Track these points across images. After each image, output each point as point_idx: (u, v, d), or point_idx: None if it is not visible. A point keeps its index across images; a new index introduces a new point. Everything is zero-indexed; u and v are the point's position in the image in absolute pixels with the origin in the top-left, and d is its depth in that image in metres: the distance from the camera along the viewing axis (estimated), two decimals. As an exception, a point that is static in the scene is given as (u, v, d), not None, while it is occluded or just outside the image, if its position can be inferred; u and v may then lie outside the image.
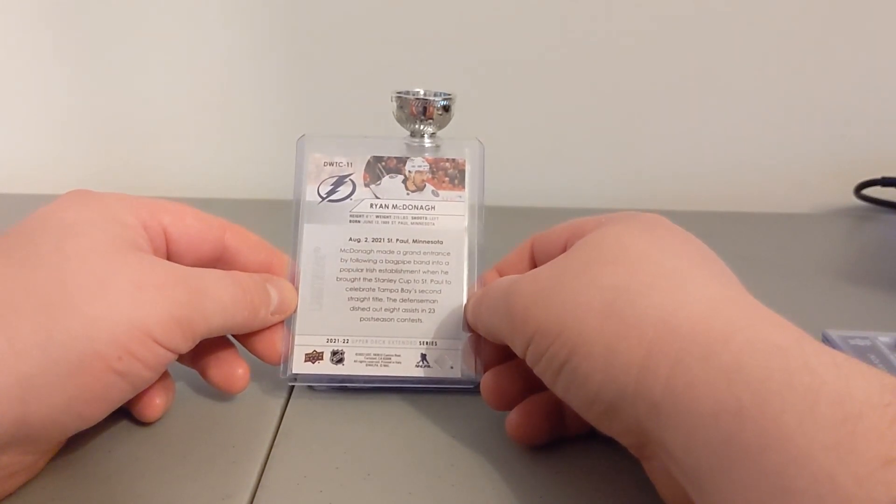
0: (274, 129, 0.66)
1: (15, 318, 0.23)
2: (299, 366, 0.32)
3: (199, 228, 0.30)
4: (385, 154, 0.35)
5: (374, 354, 0.33)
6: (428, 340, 0.33)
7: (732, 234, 0.57)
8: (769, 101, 0.66)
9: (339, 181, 0.34)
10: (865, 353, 0.35)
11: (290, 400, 0.33)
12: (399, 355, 0.33)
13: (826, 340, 0.37)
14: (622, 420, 0.23)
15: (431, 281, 0.33)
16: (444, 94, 0.40)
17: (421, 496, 0.27)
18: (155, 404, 0.30)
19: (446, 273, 0.34)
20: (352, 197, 0.34)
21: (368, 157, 0.34)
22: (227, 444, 0.30)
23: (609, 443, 0.27)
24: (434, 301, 0.33)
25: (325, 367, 0.32)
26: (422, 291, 0.33)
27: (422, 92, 0.40)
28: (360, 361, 0.32)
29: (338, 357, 0.32)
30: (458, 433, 0.31)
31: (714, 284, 0.23)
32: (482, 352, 0.32)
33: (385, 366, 0.32)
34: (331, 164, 0.34)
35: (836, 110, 0.66)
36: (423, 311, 0.33)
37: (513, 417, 0.29)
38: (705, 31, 0.64)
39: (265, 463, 0.28)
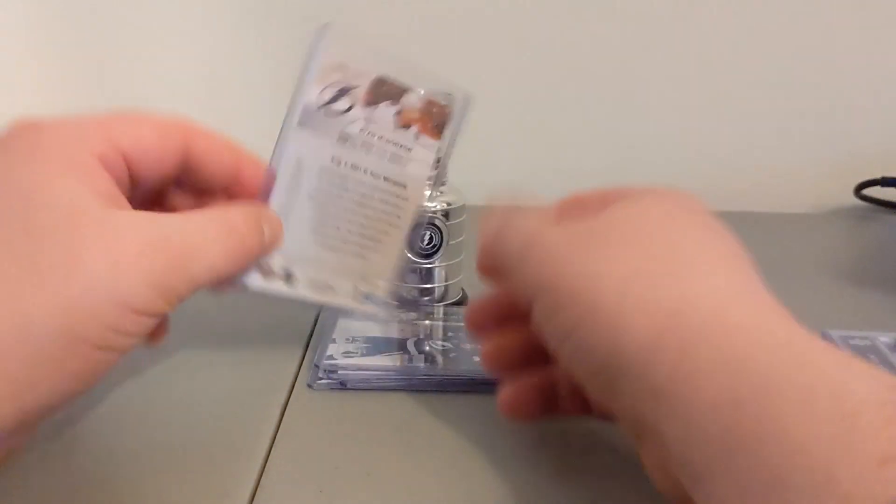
0: (274, 130, 0.65)
1: None
2: (252, 278, 0.30)
3: (159, 145, 0.28)
4: (392, 77, 0.33)
5: (320, 281, 0.32)
6: (363, 276, 0.33)
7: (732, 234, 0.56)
8: (769, 102, 0.66)
9: (342, 92, 0.32)
10: (865, 353, 0.35)
11: (290, 399, 0.33)
12: (338, 287, 0.32)
13: (826, 340, 0.37)
14: (622, 398, 0.22)
15: (385, 222, 0.33)
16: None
17: (421, 496, 0.27)
18: (154, 337, 0.29)
19: (398, 217, 0.33)
20: (347, 114, 0.32)
21: (375, 76, 0.32)
22: (227, 443, 0.30)
23: (610, 442, 0.27)
24: (380, 241, 0.33)
25: (276, 285, 0.30)
26: (374, 229, 0.33)
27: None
28: (308, 286, 0.31)
29: (289, 277, 0.31)
30: (459, 433, 0.31)
31: (730, 275, 0.23)
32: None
33: (325, 294, 0.32)
34: (343, 68, 0.32)
35: (836, 110, 0.66)
36: (368, 248, 0.33)
37: (506, 390, 0.29)
38: (705, 31, 0.64)
39: (265, 463, 0.28)
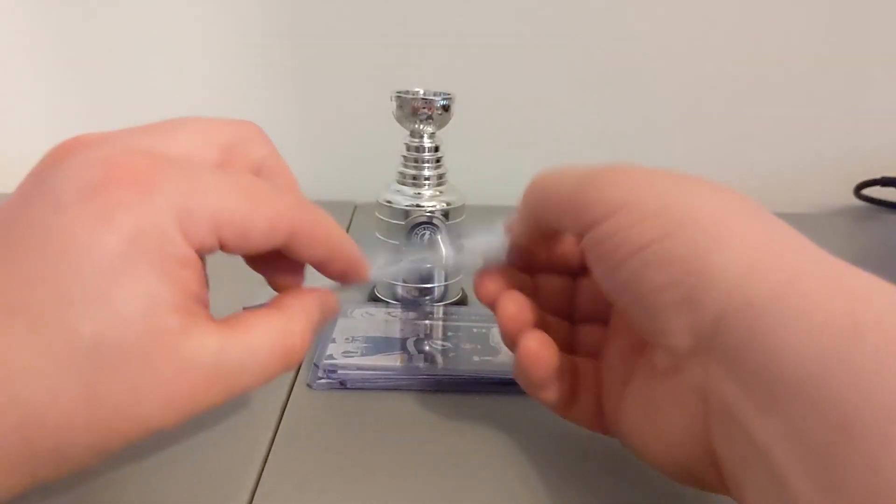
0: (274, 130, 0.65)
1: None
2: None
3: (264, 241, 0.24)
4: None
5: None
6: None
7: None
8: (769, 102, 0.66)
9: None
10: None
11: (290, 399, 0.33)
12: None
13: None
14: (695, 314, 0.21)
15: None
16: (444, 94, 0.40)
17: (421, 496, 0.27)
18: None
19: None
20: None
21: None
22: (227, 443, 0.30)
23: (610, 444, 0.27)
24: None
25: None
26: None
27: (422, 92, 0.40)
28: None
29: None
30: (459, 433, 0.31)
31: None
32: None
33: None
34: None
35: (836, 110, 0.66)
36: None
37: (535, 334, 0.27)
38: (705, 31, 0.64)
39: (264, 463, 0.28)
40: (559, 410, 0.28)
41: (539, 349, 0.27)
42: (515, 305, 0.28)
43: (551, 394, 0.27)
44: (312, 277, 0.28)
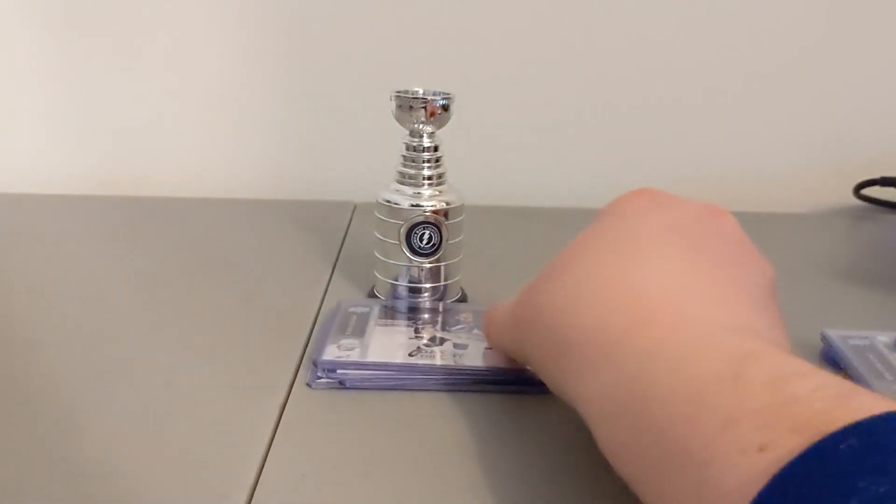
0: (273, 129, 0.65)
1: None
2: None
3: None
4: None
5: None
6: None
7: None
8: (769, 102, 0.66)
9: None
10: (864, 353, 0.35)
11: (289, 399, 0.33)
12: None
13: (825, 340, 0.37)
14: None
15: None
16: (444, 94, 0.40)
17: (420, 496, 0.27)
18: None
19: None
20: None
21: None
22: (226, 443, 0.30)
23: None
24: None
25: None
26: None
27: (422, 92, 0.40)
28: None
29: None
30: (459, 432, 0.31)
31: (619, 284, 0.25)
32: None
33: None
34: None
35: (835, 110, 0.66)
36: None
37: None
38: (704, 31, 0.64)
39: (263, 462, 0.28)
40: None
41: None
42: None
43: None
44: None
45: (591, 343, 0.24)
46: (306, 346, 0.38)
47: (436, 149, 0.41)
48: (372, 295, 0.44)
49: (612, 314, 0.24)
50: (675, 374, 0.21)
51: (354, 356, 0.35)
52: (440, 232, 0.41)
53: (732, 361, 0.20)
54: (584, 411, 0.25)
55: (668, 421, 0.20)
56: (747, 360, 0.20)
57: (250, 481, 0.27)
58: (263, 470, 0.28)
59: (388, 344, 0.36)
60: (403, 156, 0.41)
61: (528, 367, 0.31)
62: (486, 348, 0.36)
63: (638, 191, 0.30)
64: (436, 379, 0.34)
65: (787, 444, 0.17)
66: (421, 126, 0.40)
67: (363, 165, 0.66)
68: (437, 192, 0.41)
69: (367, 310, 0.40)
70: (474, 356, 0.35)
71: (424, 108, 0.39)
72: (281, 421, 0.31)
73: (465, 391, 0.34)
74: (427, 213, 0.40)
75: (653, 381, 0.21)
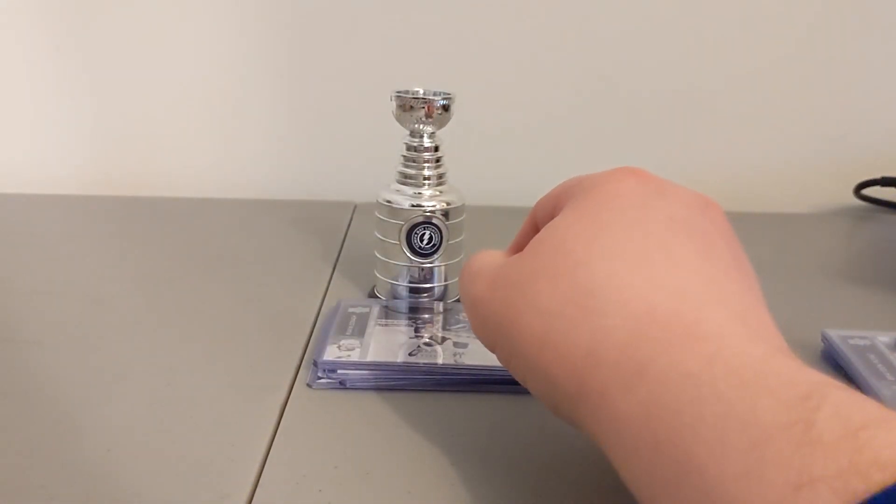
0: (274, 129, 0.65)
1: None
2: None
3: None
4: None
5: None
6: None
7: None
8: (769, 102, 0.66)
9: None
10: (865, 353, 0.35)
11: (290, 399, 0.33)
12: None
13: (825, 340, 0.37)
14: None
15: None
16: (444, 94, 0.40)
17: (420, 496, 0.27)
18: None
19: None
20: None
21: None
22: (226, 443, 0.30)
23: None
24: None
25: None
26: None
27: (422, 92, 0.40)
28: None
29: None
30: (459, 432, 0.31)
31: (645, 292, 0.23)
32: None
33: None
34: None
35: (835, 111, 0.66)
36: None
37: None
38: (704, 32, 0.64)
39: (264, 462, 0.28)
40: None
41: None
42: None
43: None
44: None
45: (611, 357, 0.22)
46: (306, 346, 0.38)
47: (436, 149, 0.41)
48: (372, 295, 0.44)
49: (640, 328, 0.22)
50: (727, 415, 0.18)
51: (355, 356, 0.35)
52: (440, 232, 0.41)
53: (795, 405, 0.18)
54: (592, 429, 0.22)
55: (718, 470, 0.17)
56: (811, 402, 0.18)
57: (250, 481, 0.27)
58: (264, 470, 0.28)
59: (389, 344, 0.36)
60: (404, 156, 0.41)
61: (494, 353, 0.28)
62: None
63: (623, 170, 0.28)
64: (436, 379, 0.34)
65: None
66: (421, 126, 0.40)
67: (363, 165, 0.66)
68: (437, 193, 0.41)
69: (367, 310, 0.40)
70: (475, 355, 0.35)
71: (424, 108, 0.39)
72: (281, 421, 0.31)
73: (466, 391, 0.34)
74: (427, 214, 0.40)
75: (698, 420, 0.19)
